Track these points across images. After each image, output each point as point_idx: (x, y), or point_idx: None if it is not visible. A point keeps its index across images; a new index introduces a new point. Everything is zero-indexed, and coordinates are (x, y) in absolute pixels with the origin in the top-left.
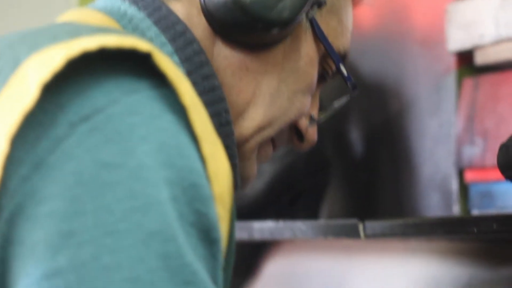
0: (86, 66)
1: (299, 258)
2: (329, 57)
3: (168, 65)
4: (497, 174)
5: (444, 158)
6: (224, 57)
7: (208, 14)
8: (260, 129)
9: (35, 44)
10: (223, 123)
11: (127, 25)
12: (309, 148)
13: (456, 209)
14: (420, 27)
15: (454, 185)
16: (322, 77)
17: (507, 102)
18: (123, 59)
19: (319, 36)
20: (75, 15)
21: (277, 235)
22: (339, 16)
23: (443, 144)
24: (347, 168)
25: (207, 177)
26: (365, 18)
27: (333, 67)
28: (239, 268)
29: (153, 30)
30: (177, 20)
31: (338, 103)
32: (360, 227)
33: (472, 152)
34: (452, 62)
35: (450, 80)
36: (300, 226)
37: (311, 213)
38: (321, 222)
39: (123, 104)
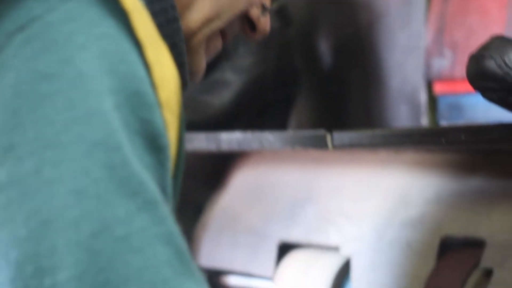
0: None
1: (267, 169)
2: None
3: None
4: (466, 86)
5: (413, 70)
6: None
7: None
8: (208, 21)
9: None
10: (170, 19)
11: None
12: (262, 38)
13: (424, 121)
14: None
15: (423, 97)
16: None
17: (477, 14)
18: None
19: None
20: None
21: (245, 146)
22: None
23: (413, 56)
24: (316, 79)
25: (152, 84)
26: None
27: None
28: (207, 179)
29: None
30: None
31: None
32: (328, 137)
33: (441, 64)
34: None
35: None
36: (267, 137)
37: (279, 125)
38: (289, 132)
39: (61, 11)
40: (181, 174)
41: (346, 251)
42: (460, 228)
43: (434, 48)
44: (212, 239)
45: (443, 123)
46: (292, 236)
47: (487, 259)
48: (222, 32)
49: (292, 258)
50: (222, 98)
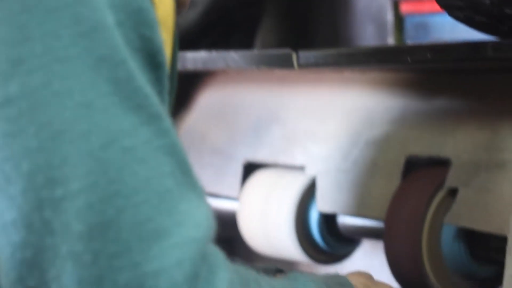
0: None
1: (233, 89)
2: None
3: None
4: (433, 5)
5: None
6: None
7: None
8: None
9: None
10: None
11: None
12: None
13: (391, 41)
14: None
15: (389, 16)
16: None
17: None
18: None
19: None
20: None
21: (210, 65)
22: None
23: None
24: None
25: (151, 1)
26: None
27: None
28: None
29: None
30: None
31: None
32: (294, 56)
33: None
34: None
35: None
36: (233, 56)
37: (245, 44)
38: (254, 52)
39: None
40: (174, 91)
41: (311, 171)
42: (425, 148)
43: None
44: None
45: (410, 43)
46: (257, 156)
47: (452, 178)
48: None
49: (257, 178)
50: (187, 17)
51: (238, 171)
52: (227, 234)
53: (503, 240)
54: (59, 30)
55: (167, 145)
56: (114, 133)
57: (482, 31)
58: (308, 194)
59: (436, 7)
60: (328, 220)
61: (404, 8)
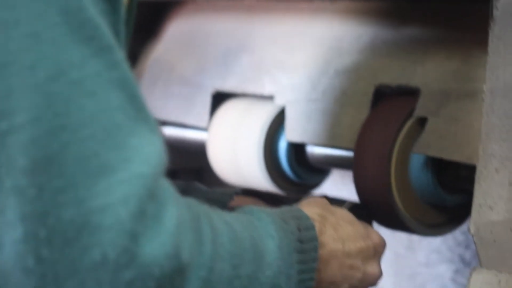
0: None
1: (202, 18)
2: None
3: None
4: None
5: None
6: None
7: None
8: None
9: None
10: None
11: None
12: None
13: None
14: None
15: None
16: None
17: None
18: None
19: None
20: None
21: None
22: None
23: None
24: None
25: None
26: None
27: None
28: (141, 29)
29: None
30: None
31: None
32: None
33: None
34: None
35: None
36: None
37: None
38: None
39: None
40: (133, 21)
41: (280, 100)
42: (394, 77)
43: None
44: (146, 90)
45: None
46: (226, 85)
47: (421, 107)
48: None
49: (226, 107)
50: None
51: (207, 100)
52: (196, 164)
53: (471, 169)
54: None
55: (118, 78)
56: (62, 65)
57: None
58: (277, 124)
59: None
60: (297, 150)
61: None
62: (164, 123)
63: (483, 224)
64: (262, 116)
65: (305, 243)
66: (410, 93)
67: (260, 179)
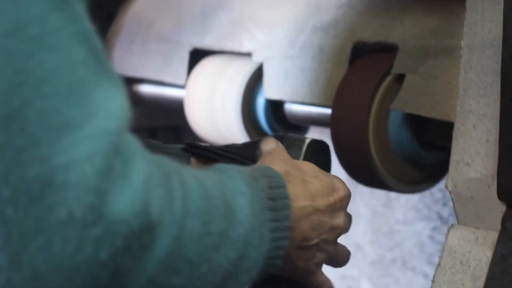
0: None
1: None
2: None
3: None
4: None
5: None
6: None
7: None
8: None
9: None
10: None
11: None
12: None
13: None
14: None
15: None
16: None
17: None
18: None
19: None
20: None
21: None
22: None
23: None
24: None
25: None
26: None
27: None
28: None
29: None
30: None
31: None
32: None
33: None
34: None
35: None
36: None
37: None
38: None
39: None
40: None
41: (258, 57)
42: (372, 33)
43: None
44: (124, 47)
45: None
46: (204, 42)
47: (400, 64)
48: None
49: (204, 65)
50: None
51: (185, 58)
52: (175, 122)
53: (449, 126)
54: None
55: (79, 31)
56: (21, 20)
57: None
58: (255, 81)
59: None
60: (274, 107)
61: None
62: (142, 80)
63: (461, 181)
64: (240, 73)
65: (277, 201)
66: (388, 50)
67: (237, 137)
